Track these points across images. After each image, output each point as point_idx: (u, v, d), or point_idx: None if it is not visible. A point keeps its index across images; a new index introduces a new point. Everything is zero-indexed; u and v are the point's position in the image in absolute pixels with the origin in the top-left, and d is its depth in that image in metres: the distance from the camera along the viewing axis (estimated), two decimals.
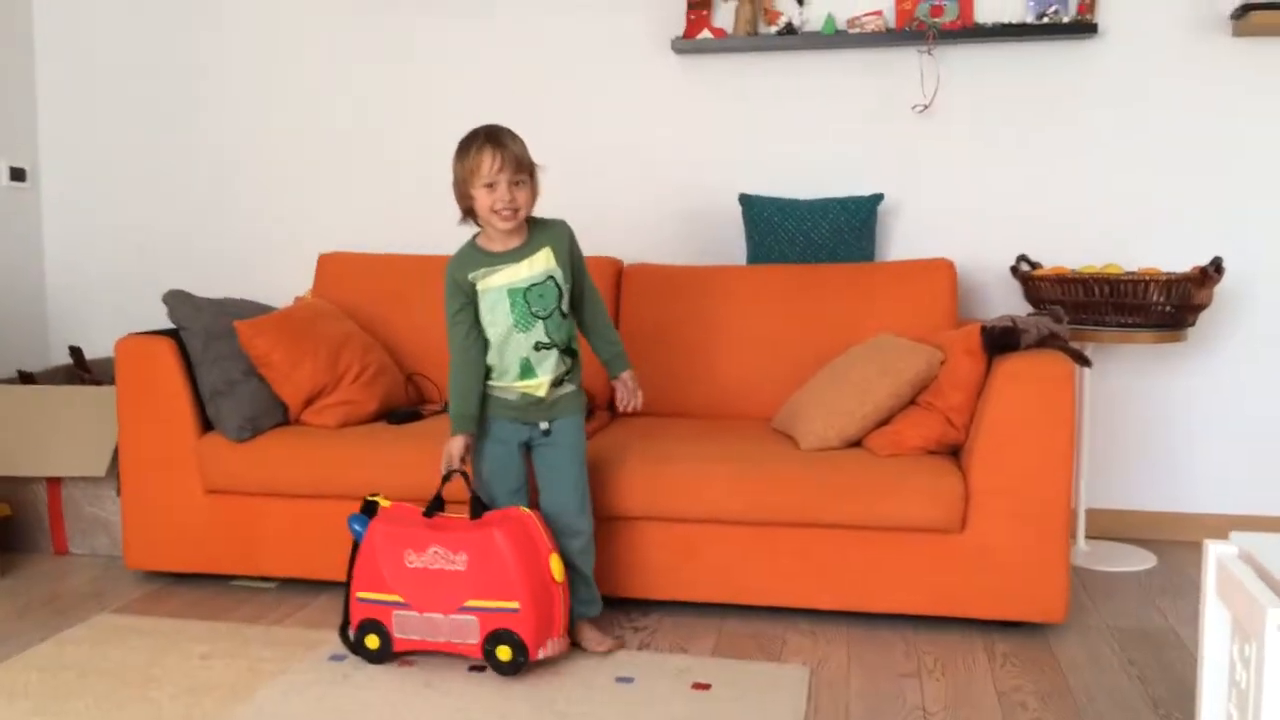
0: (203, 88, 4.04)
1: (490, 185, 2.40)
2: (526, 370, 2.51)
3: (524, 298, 2.47)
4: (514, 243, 2.49)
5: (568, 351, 2.55)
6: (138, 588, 3.09)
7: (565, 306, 2.52)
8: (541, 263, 2.48)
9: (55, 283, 4.20)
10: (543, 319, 2.48)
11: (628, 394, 2.69)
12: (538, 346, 2.49)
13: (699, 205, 3.72)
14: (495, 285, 2.48)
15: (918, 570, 2.68)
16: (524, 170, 2.42)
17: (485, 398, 2.56)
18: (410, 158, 3.90)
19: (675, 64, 3.70)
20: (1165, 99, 3.43)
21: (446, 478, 2.49)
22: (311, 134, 3.97)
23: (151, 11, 4.04)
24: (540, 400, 2.53)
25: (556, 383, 2.53)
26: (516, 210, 2.42)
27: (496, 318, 2.49)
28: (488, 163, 2.39)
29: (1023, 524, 2.62)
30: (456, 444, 2.51)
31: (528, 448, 2.59)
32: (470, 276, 2.49)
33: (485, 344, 2.53)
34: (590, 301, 2.64)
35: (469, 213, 2.49)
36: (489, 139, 2.42)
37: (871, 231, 3.50)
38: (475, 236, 2.55)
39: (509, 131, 2.46)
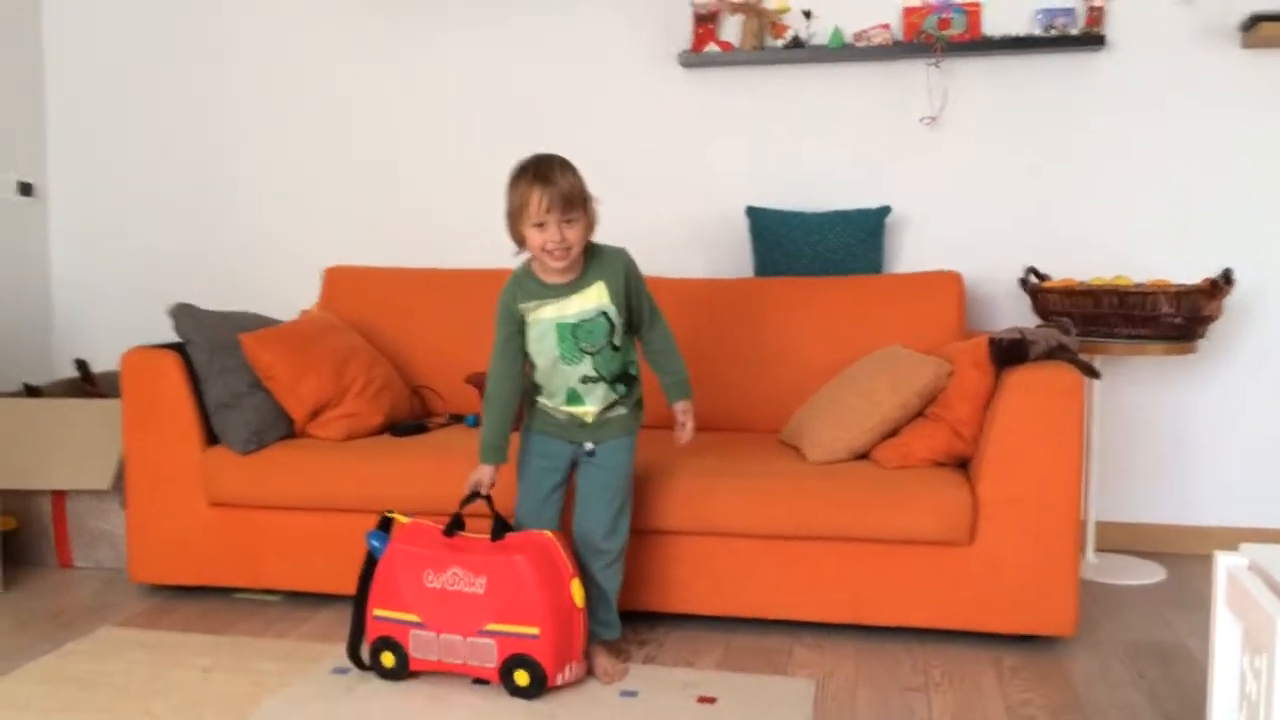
0: (208, 102, 4.05)
1: (540, 225, 2.32)
2: (574, 398, 2.47)
3: (572, 333, 2.41)
4: (568, 275, 2.41)
5: (621, 380, 2.49)
6: (142, 601, 3.08)
7: (618, 340, 2.45)
8: (593, 298, 2.40)
9: (61, 296, 4.21)
10: (591, 354, 2.42)
11: (676, 426, 2.61)
12: (584, 380, 2.44)
13: (706, 218, 3.72)
14: (544, 318, 2.42)
15: (925, 583, 2.66)
16: (575, 207, 2.32)
17: (535, 410, 2.54)
18: (417, 171, 3.90)
19: (682, 77, 3.70)
20: (1174, 110, 3.42)
21: (469, 499, 2.46)
22: (317, 147, 3.98)
23: (158, 27, 4.06)
24: (587, 424, 2.50)
25: (607, 408, 2.50)
26: (568, 249, 2.33)
27: (544, 348, 2.44)
28: (535, 202, 2.30)
29: (1031, 537, 2.60)
30: (486, 472, 2.48)
31: (574, 464, 2.55)
32: (520, 307, 2.43)
33: (530, 367, 2.49)
34: (650, 328, 2.53)
35: (523, 243, 2.39)
36: (537, 176, 2.31)
37: (879, 244, 3.49)
38: (529, 261, 2.46)
39: (560, 163, 2.35)
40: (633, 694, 2.41)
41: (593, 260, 2.43)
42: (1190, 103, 3.41)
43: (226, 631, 2.82)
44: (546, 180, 2.31)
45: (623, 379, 2.50)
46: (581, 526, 2.53)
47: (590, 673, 2.49)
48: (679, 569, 2.77)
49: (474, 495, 2.46)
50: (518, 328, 2.45)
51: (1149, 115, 3.43)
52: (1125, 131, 3.45)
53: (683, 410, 2.59)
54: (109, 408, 3.30)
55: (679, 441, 2.61)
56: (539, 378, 2.50)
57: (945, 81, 3.53)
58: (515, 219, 2.35)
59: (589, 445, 2.51)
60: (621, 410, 2.52)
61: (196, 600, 3.07)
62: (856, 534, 2.66)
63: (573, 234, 2.33)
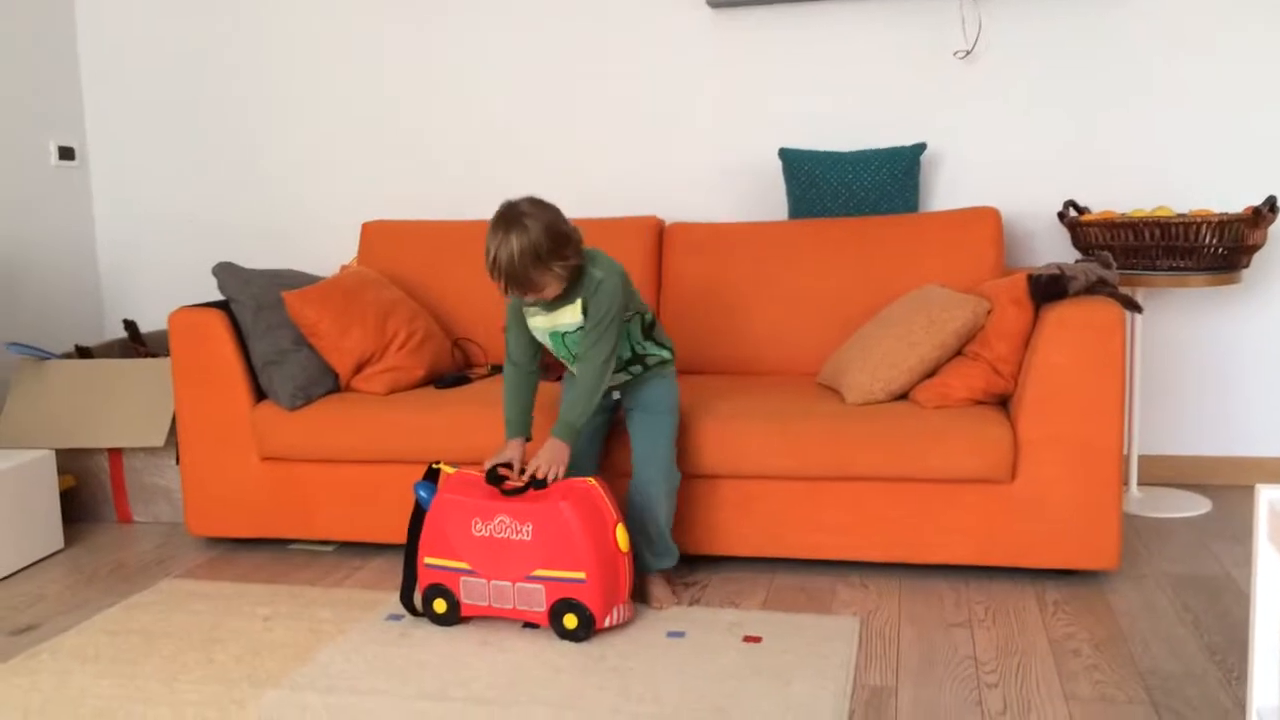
0: (243, 62, 4.07)
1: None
2: None
3: (563, 341, 2.56)
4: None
5: (632, 363, 2.63)
6: (200, 553, 3.17)
7: None
8: (572, 315, 2.51)
9: (107, 258, 4.28)
10: None
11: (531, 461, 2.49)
12: None
13: (739, 160, 3.70)
14: (539, 326, 2.57)
15: (968, 521, 2.68)
16: (535, 283, 2.39)
17: None
18: (448, 124, 3.91)
19: (710, 18, 3.67)
20: (1212, 37, 3.35)
21: (492, 474, 2.49)
22: (351, 103, 3.99)
23: None
24: (614, 385, 2.66)
25: (629, 380, 2.66)
26: (541, 296, 2.45)
27: (549, 346, 2.61)
28: (497, 285, 2.42)
29: (1074, 472, 2.61)
30: (514, 448, 2.57)
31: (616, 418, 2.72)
32: (522, 307, 2.57)
33: (538, 351, 2.65)
34: (582, 358, 2.50)
35: None
36: (495, 264, 2.36)
37: (915, 182, 3.46)
38: None
39: (518, 233, 2.34)
40: (680, 634, 2.46)
41: (581, 282, 2.49)
42: (1228, 29, 3.33)
43: (284, 581, 2.90)
44: (502, 272, 2.37)
45: (633, 361, 2.64)
46: (633, 462, 2.63)
47: (647, 603, 2.60)
48: (721, 512, 2.81)
49: (498, 466, 2.51)
50: (523, 320, 2.60)
51: (1186, 42, 3.36)
52: (1162, 60, 3.39)
53: (544, 451, 2.46)
54: (159, 366, 3.37)
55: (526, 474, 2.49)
56: None
57: (979, 13, 3.47)
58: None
59: (614, 394, 2.67)
60: (642, 370, 2.67)
61: (253, 552, 3.15)
62: (897, 474, 2.68)
63: (542, 293, 2.43)
